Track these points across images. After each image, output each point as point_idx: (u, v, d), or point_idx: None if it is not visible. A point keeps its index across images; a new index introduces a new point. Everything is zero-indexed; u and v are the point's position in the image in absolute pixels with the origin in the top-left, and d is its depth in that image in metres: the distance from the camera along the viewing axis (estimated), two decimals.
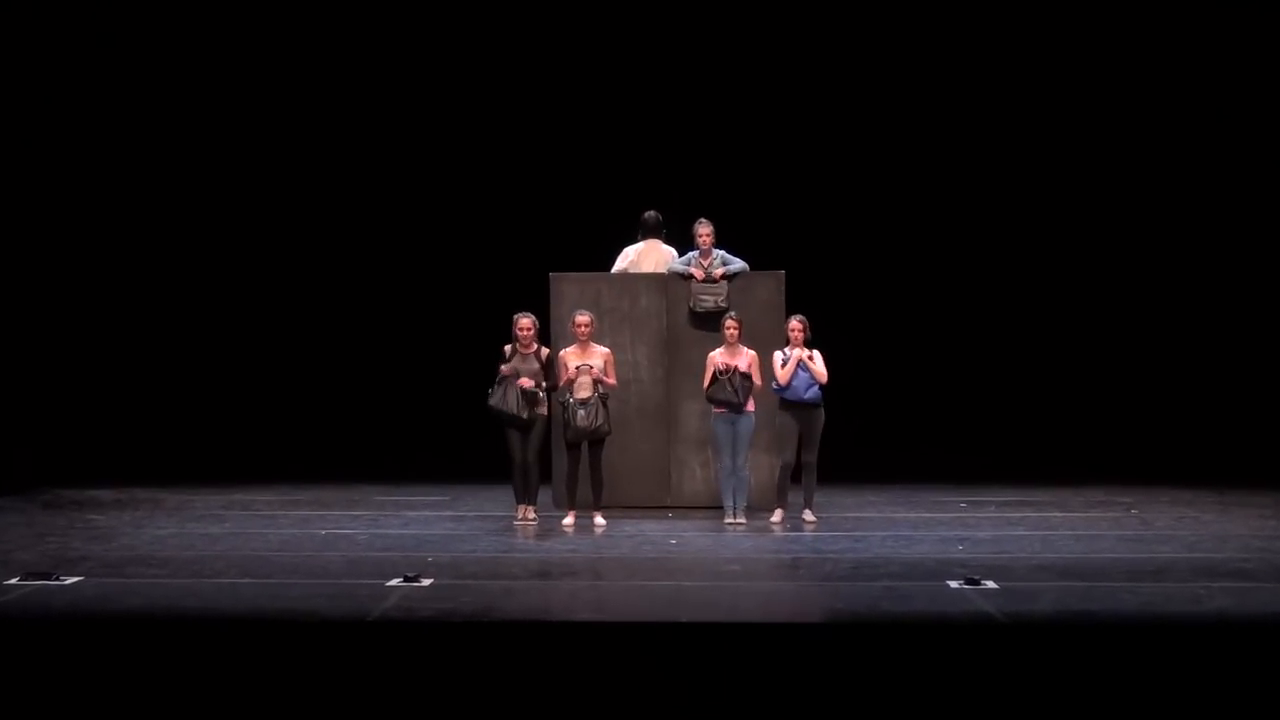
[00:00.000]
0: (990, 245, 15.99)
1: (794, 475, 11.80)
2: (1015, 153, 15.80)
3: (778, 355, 11.71)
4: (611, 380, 11.69)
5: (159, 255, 16.09)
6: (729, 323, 11.79)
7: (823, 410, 11.72)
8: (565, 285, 12.72)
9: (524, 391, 11.52)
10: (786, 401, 11.72)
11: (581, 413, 11.50)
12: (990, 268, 16.04)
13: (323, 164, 16.09)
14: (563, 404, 11.57)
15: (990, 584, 8.81)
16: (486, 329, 12.89)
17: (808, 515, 11.76)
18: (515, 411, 11.56)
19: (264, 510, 12.79)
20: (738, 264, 12.64)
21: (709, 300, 12.43)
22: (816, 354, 11.72)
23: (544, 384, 11.69)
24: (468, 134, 16.12)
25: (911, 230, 16.06)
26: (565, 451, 11.82)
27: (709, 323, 12.29)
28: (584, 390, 11.53)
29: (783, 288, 12.56)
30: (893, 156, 16.04)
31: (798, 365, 11.60)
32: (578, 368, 11.55)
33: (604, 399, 11.57)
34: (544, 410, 11.72)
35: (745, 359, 11.70)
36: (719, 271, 12.51)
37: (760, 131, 15.94)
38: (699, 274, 12.50)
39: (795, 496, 11.93)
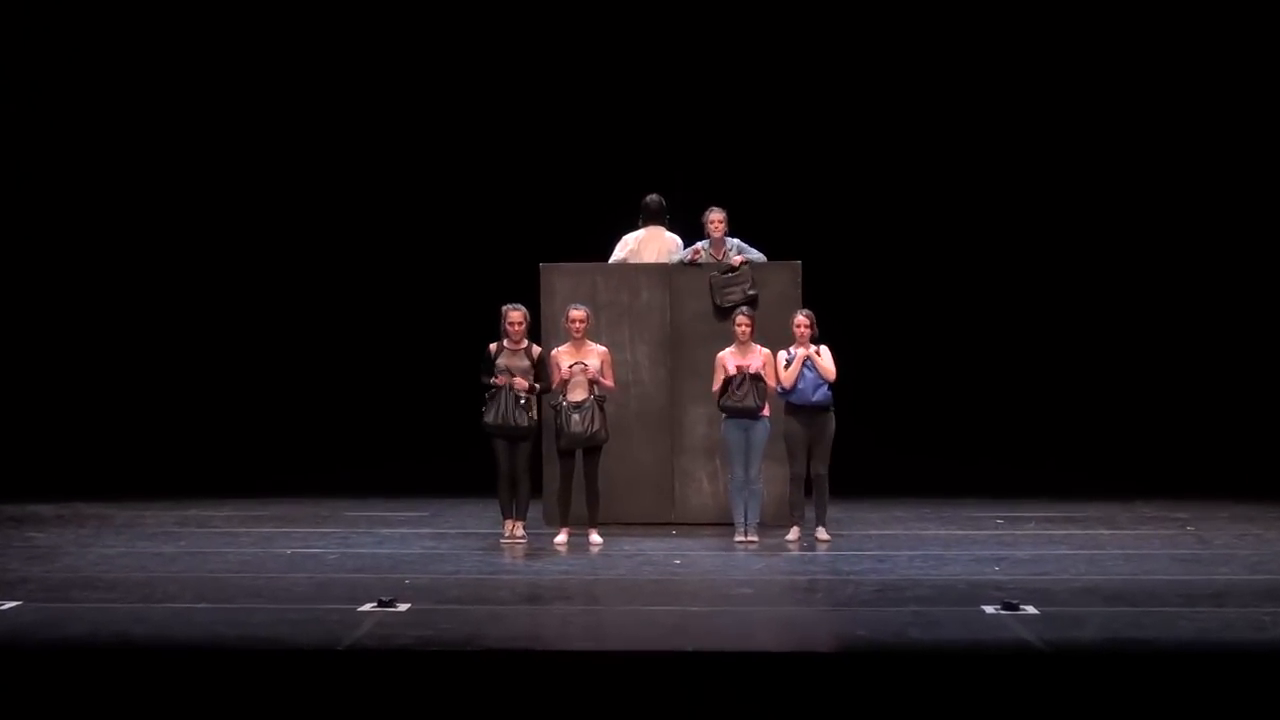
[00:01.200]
0: (1032, 231, 16.05)
1: (806, 488, 11.86)
2: (1069, 133, 15.91)
3: (782, 355, 11.72)
4: (609, 382, 11.71)
5: (102, 248, 16.24)
6: (740, 319, 11.79)
7: (833, 414, 11.73)
8: (557, 277, 12.72)
9: (519, 397, 11.54)
10: (793, 406, 11.73)
11: (576, 417, 11.52)
12: (1031, 257, 16.09)
13: (282, 146, 16.21)
14: (555, 408, 11.58)
15: (1030, 609, 8.81)
16: (469, 324, 12.90)
17: (821, 533, 11.78)
18: (516, 423, 11.59)
19: (222, 527, 12.80)
20: (754, 253, 12.68)
21: (735, 292, 12.41)
22: (825, 349, 11.72)
23: (536, 385, 11.71)
24: (446, 105, 16.14)
25: (941, 215, 16.09)
26: (558, 461, 11.82)
27: (719, 319, 12.30)
28: (578, 392, 11.55)
29: (799, 280, 12.57)
30: (924, 129, 16.04)
31: (804, 364, 11.60)
32: (571, 367, 11.54)
33: (600, 402, 11.58)
34: (535, 415, 11.75)
35: (758, 359, 11.70)
36: (738, 257, 12.51)
37: (773, 105, 15.96)
38: (695, 255, 12.43)
39: (812, 511, 11.96)
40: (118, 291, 16.24)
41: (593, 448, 11.62)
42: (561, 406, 11.52)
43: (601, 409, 11.55)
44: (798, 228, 14.45)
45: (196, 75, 15.98)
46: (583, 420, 11.50)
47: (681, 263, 12.56)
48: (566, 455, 11.67)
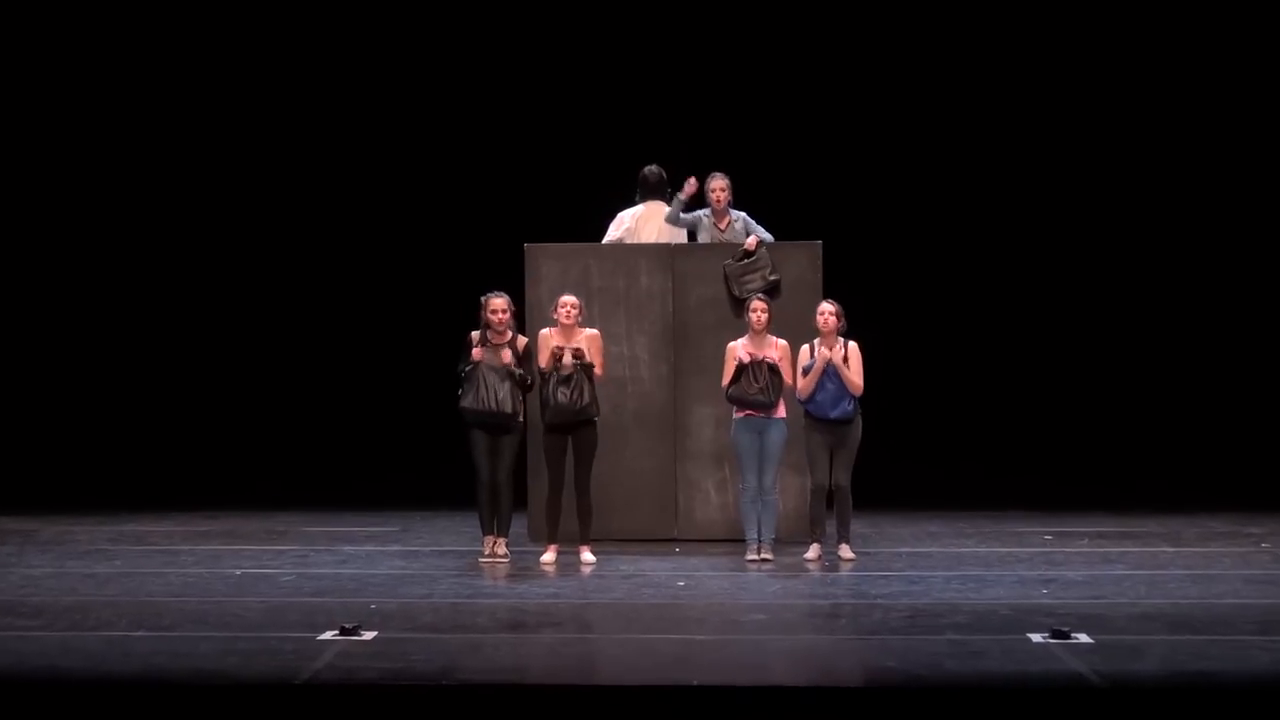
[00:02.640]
0: (1094, 212, 16.07)
1: (827, 500, 11.88)
2: (1119, 113, 16.00)
3: (805, 351, 11.70)
4: (598, 362, 11.73)
5: (36, 248, 16.39)
6: (756, 305, 11.77)
7: (859, 421, 11.73)
8: (544, 259, 12.74)
9: (508, 372, 11.57)
10: (814, 418, 11.73)
11: (563, 390, 11.57)
12: (1088, 239, 16.10)
13: (231, 122, 16.32)
14: (542, 376, 11.62)
15: (1083, 637, 8.83)
16: (445, 316, 12.88)
17: (845, 551, 11.81)
18: (498, 407, 11.60)
19: (162, 544, 12.79)
20: (765, 234, 12.70)
21: (755, 279, 12.41)
22: (854, 349, 11.68)
23: (521, 372, 11.75)
24: (414, 62, 16.10)
25: (981, 186, 16.08)
26: (544, 469, 11.86)
27: (736, 312, 12.26)
28: (566, 366, 11.61)
29: (819, 263, 12.59)
30: (966, 92, 16.02)
31: (824, 371, 11.55)
32: (559, 348, 11.62)
33: (588, 371, 11.64)
34: (520, 405, 11.77)
35: (776, 351, 11.70)
36: (752, 240, 12.50)
37: (787, 62, 15.93)
38: (692, 187, 12.37)
39: (834, 527, 11.98)
40: (47, 287, 16.37)
41: (584, 434, 11.59)
42: (549, 377, 11.59)
43: (590, 380, 11.58)
44: (816, 203, 14.43)
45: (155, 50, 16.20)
46: (570, 393, 11.55)
47: (677, 198, 12.45)
48: (554, 444, 11.64)
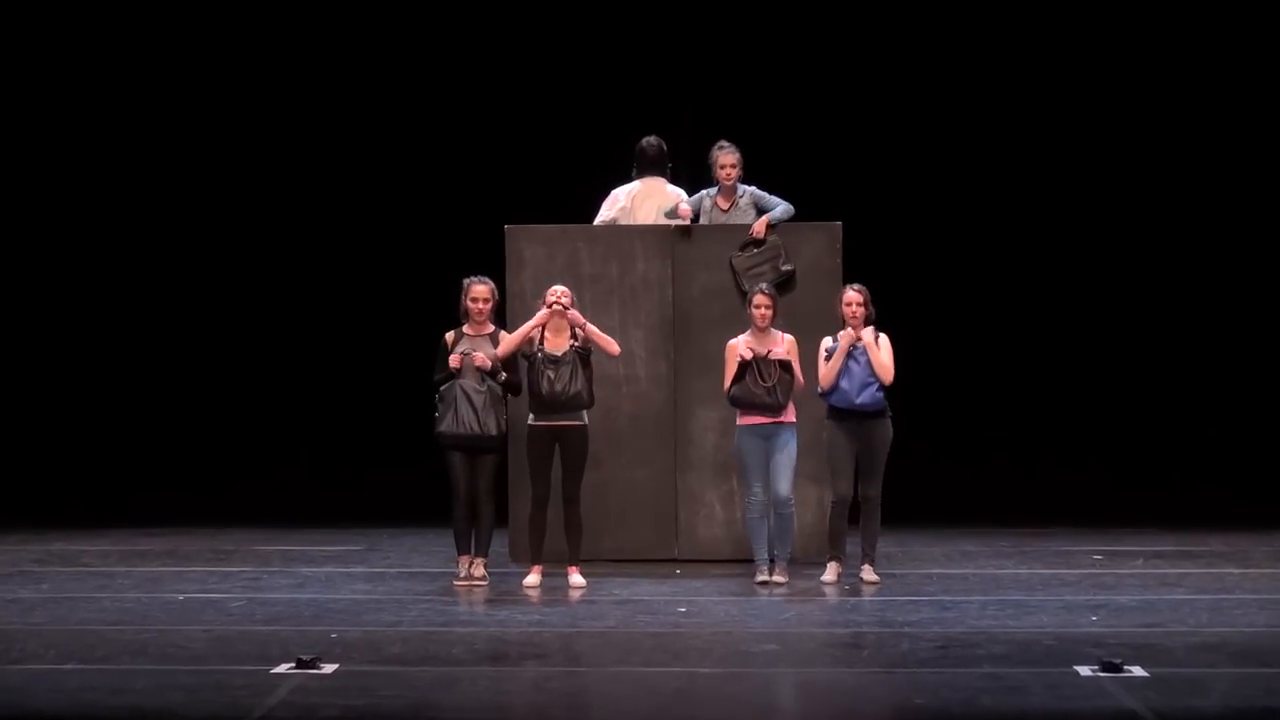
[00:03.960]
0: (1162, 193, 16.09)
1: (852, 515, 11.86)
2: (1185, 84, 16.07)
3: (826, 342, 11.71)
4: (600, 335, 11.63)
5: None
6: (758, 299, 11.76)
7: (889, 422, 11.74)
8: (527, 243, 12.74)
9: (490, 374, 11.59)
10: (837, 410, 11.73)
11: (552, 374, 11.55)
12: (1147, 220, 16.10)
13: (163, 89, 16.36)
14: (527, 358, 11.60)
15: (1137, 670, 8.82)
16: (414, 304, 13.01)
17: (868, 573, 11.82)
18: (481, 428, 11.61)
19: (95, 566, 12.78)
20: (779, 206, 12.59)
21: (765, 271, 12.35)
22: (883, 338, 11.71)
23: (502, 371, 11.73)
24: (377, 18, 16.10)
25: (1033, 158, 16.06)
26: (527, 480, 11.81)
27: (739, 298, 12.25)
28: (557, 341, 11.60)
29: (839, 245, 12.59)
30: (1002, 52, 16.01)
31: (848, 353, 11.57)
32: (555, 305, 11.55)
33: (585, 356, 11.61)
34: (503, 419, 11.79)
35: (782, 348, 11.71)
36: (760, 224, 12.44)
37: (806, 24, 15.92)
38: (684, 215, 12.37)
39: (855, 544, 11.94)
40: None
41: (573, 441, 11.59)
42: (535, 358, 11.54)
43: (585, 365, 11.55)
44: (834, 177, 14.44)
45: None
46: (560, 377, 11.50)
47: (668, 217, 12.50)
48: (539, 452, 11.63)
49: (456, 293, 11.85)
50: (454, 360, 11.63)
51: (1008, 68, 15.94)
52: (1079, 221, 16.02)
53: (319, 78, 16.10)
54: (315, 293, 16.12)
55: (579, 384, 11.54)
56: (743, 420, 11.73)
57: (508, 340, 11.68)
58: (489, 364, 11.66)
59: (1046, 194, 16.00)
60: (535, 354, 11.57)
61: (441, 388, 11.68)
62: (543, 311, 11.62)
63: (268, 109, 16.19)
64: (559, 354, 11.55)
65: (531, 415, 11.69)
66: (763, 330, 11.71)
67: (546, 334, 11.62)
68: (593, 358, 11.68)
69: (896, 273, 14.00)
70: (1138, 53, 15.87)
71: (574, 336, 11.61)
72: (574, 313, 11.62)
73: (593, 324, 11.88)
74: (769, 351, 11.62)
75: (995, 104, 15.97)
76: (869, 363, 11.61)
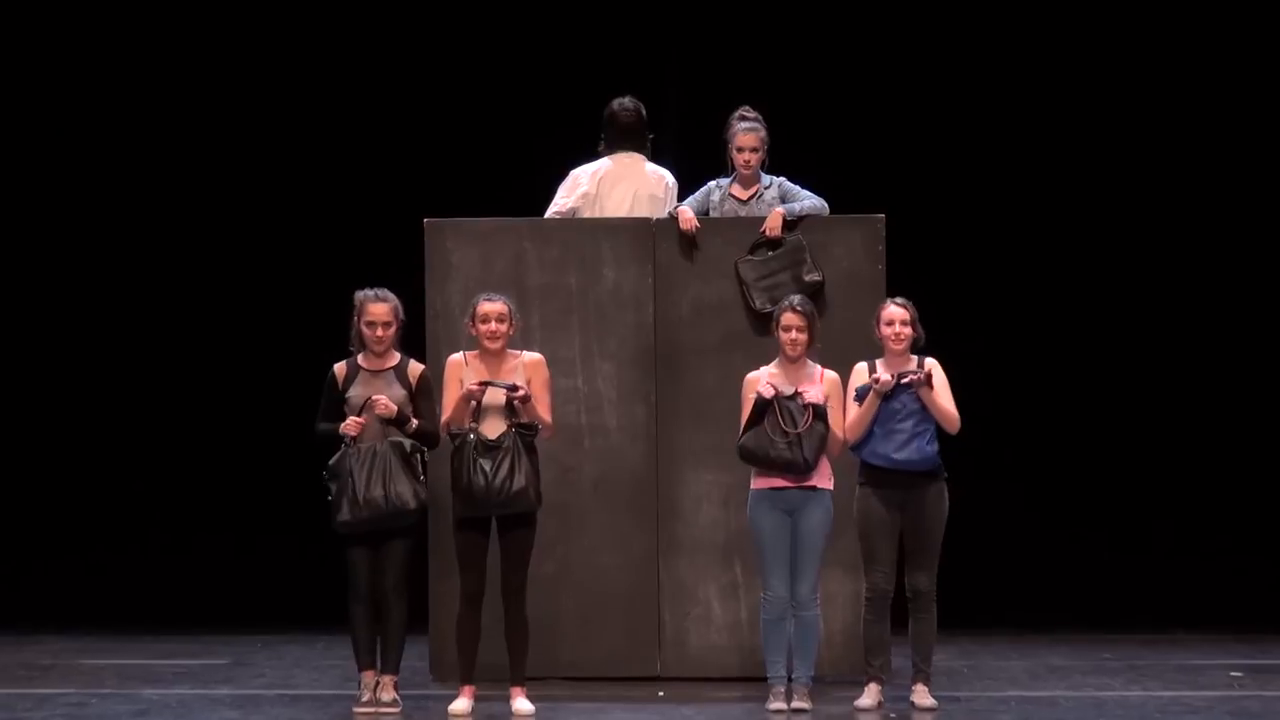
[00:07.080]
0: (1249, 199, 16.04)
1: (897, 615, 11.52)
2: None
3: (861, 369, 11.34)
4: (544, 412, 11.28)
5: None
6: (789, 319, 11.31)
7: (944, 486, 11.38)
8: (454, 242, 12.42)
9: (384, 422, 11.26)
10: (871, 470, 11.31)
11: (486, 465, 10.91)
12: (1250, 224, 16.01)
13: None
14: (453, 438, 11.22)
15: None
16: (294, 327, 13.01)
17: (922, 696, 11.39)
18: (389, 502, 11.13)
19: None
20: (808, 200, 12.22)
21: (783, 282, 11.98)
22: (936, 368, 11.27)
23: (412, 419, 11.35)
24: None
25: (1113, 151, 15.97)
26: (455, 572, 11.32)
27: (755, 328, 11.97)
28: (492, 423, 11.09)
29: (881, 247, 12.25)
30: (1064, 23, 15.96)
31: (894, 389, 11.16)
32: (481, 384, 11.06)
33: (527, 441, 11.12)
34: (420, 487, 11.29)
35: (819, 387, 11.19)
36: (775, 220, 12.03)
37: None
38: (687, 224, 12.04)
39: (902, 656, 11.57)
40: None
41: (516, 524, 11.17)
42: (466, 441, 10.99)
43: (528, 453, 11.10)
44: (877, 156, 14.49)
45: None
46: (495, 468, 10.93)
47: (671, 216, 12.28)
48: (470, 537, 11.21)
49: (348, 312, 11.41)
50: (349, 425, 11.18)
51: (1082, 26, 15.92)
52: (1178, 222, 15.89)
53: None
54: (155, 302, 15.96)
55: (522, 477, 11.10)
56: (758, 483, 11.31)
57: (451, 405, 11.21)
58: (393, 409, 11.20)
59: (1134, 183, 15.92)
60: (466, 433, 11.05)
61: (331, 460, 11.29)
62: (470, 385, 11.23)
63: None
64: (494, 438, 11.10)
65: (455, 518, 11.41)
66: (793, 361, 11.24)
67: (476, 410, 11.25)
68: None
69: (955, 281, 14.21)
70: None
71: (512, 412, 11.08)
72: (517, 391, 11.13)
73: (544, 352, 11.48)
74: (799, 391, 10.94)
75: (1069, 69, 15.95)
76: (919, 404, 11.17)
